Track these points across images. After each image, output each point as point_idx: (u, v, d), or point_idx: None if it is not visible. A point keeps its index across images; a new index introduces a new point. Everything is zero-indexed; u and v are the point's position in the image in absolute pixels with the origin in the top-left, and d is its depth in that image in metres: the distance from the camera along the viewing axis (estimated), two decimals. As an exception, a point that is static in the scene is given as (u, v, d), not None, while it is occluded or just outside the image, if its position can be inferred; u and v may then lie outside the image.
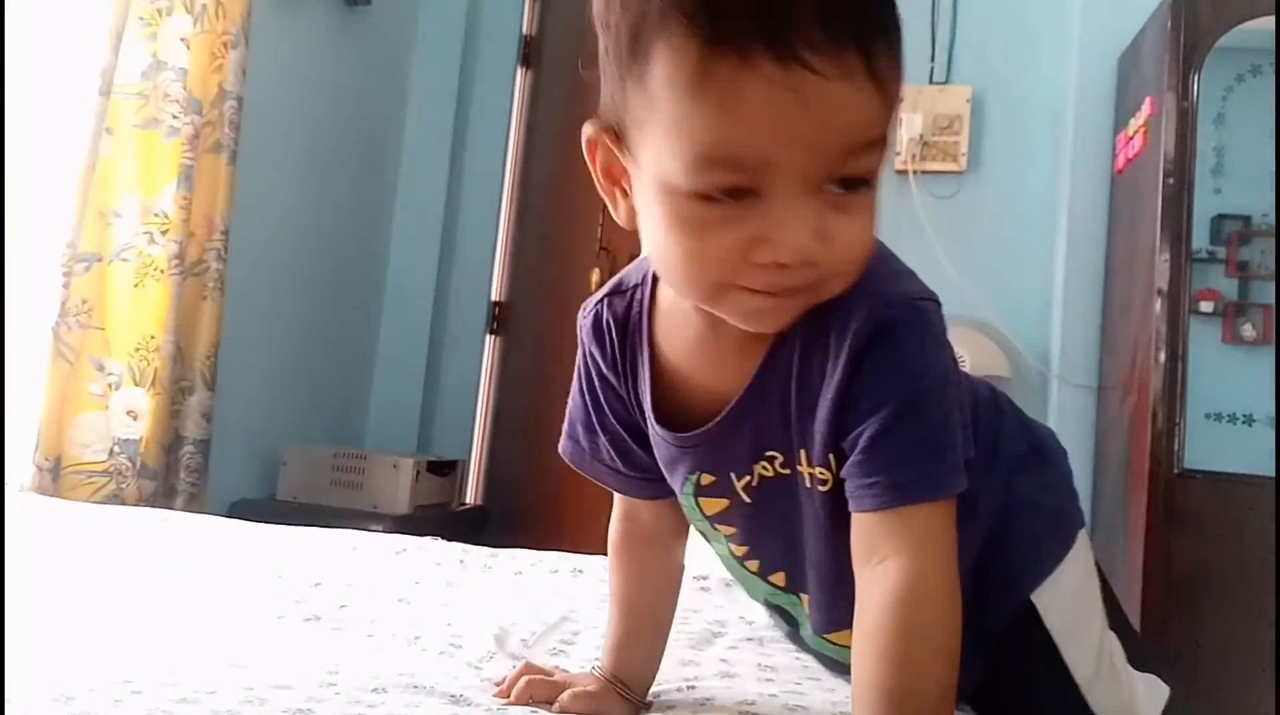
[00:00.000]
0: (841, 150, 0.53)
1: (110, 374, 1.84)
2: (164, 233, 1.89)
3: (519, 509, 2.75)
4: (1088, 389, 2.35)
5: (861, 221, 0.56)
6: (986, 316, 2.40)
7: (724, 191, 0.53)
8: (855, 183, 0.54)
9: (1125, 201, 2.30)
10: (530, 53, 3.00)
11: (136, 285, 1.87)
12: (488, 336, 2.92)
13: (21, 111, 1.74)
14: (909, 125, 2.58)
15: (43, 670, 0.67)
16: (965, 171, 2.57)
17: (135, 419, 1.85)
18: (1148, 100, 2.14)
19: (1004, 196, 2.56)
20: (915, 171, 2.57)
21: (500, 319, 2.93)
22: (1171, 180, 2.01)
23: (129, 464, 1.83)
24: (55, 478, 1.74)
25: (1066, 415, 2.35)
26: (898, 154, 2.60)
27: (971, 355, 2.28)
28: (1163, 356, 1.96)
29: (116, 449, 1.82)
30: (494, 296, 2.93)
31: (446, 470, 2.49)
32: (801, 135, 0.51)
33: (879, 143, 0.54)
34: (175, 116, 1.91)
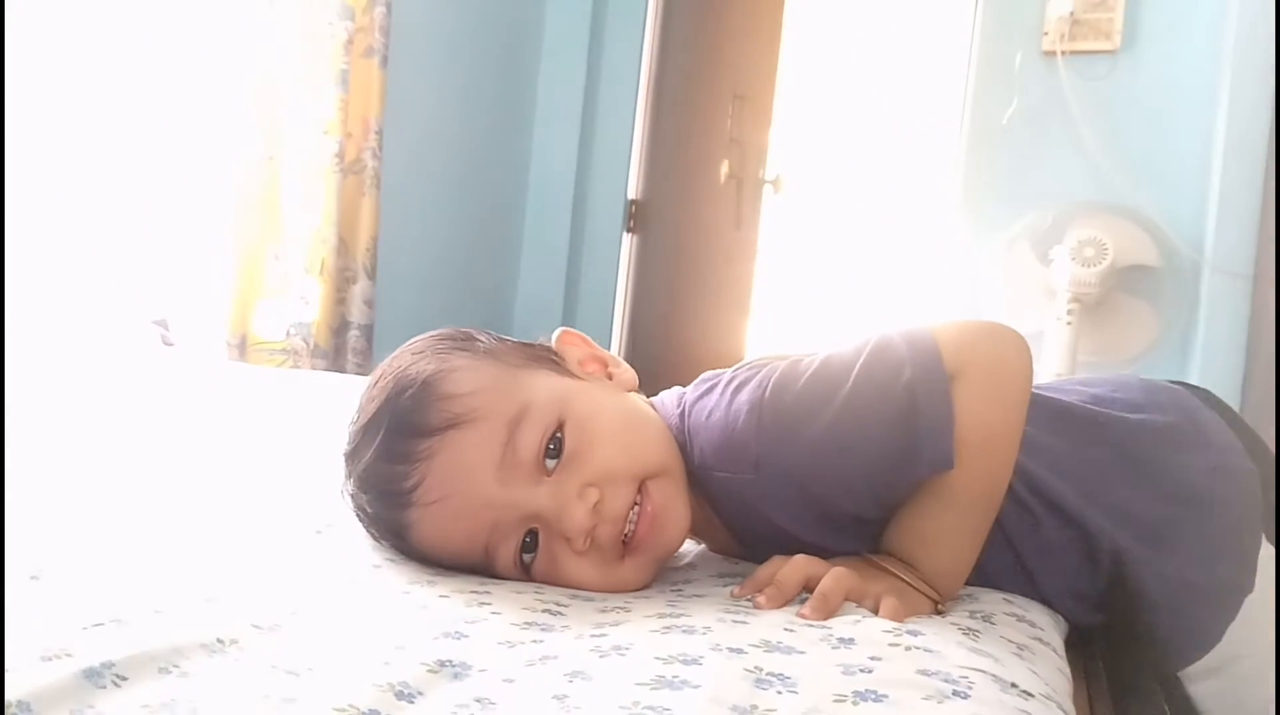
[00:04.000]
0: (493, 472, 0.63)
1: (285, 263, 2.04)
2: (325, 133, 2.06)
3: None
4: (1242, 277, 2.25)
5: (590, 453, 0.64)
6: (1136, 202, 2.31)
7: (524, 541, 0.65)
8: (551, 452, 0.64)
9: (1294, 75, 2.15)
10: (665, -53, 3.00)
11: (304, 182, 2.05)
12: (625, 235, 3.01)
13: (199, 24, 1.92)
14: (1057, 3, 2.46)
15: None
16: (1119, 50, 2.45)
17: (307, 304, 2.05)
18: (1324, -39, 1.98)
19: (1161, 76, 2.42)
20: (1064, 52, 2.47)
21: (636, 217, 3.02)
22: (1344, 48, 1.87)
23: (303, 344, 2.04)
24: (242, 353, 1.97)
25: (1218, 305, 2.27)
26: (1045, 34, 2.50)
27: (1117, 243, 2.21)
28: (1322, 238, 1.86)
29: (292, 330, 2.04)
30: (630, 195, 3.01)
31: (587, 359, 2.62)
32: (462, 508, 0.63)
33: (508, 419, 0.63)
34: (330, 24, 2.06)
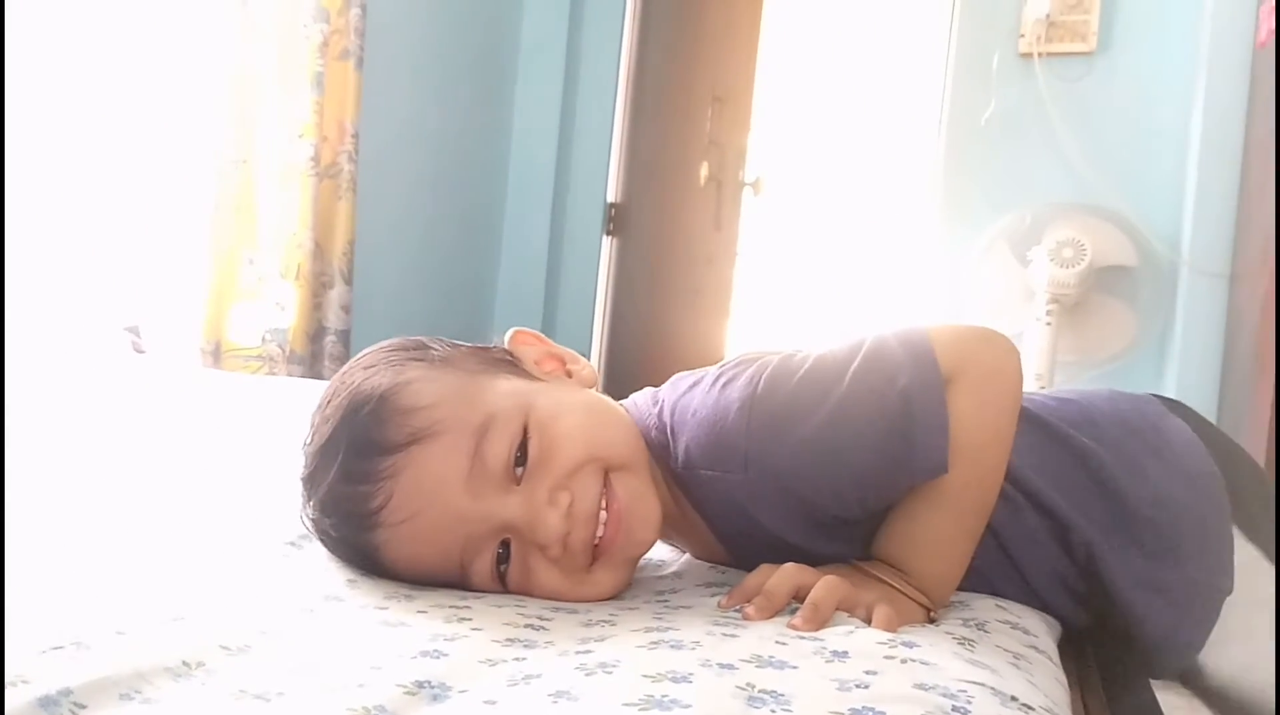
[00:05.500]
0: (463, 485, 0.61)
1: (260, 268, 2.01)
2: (300, 136, 2.03)
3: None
4: (1219, 277, 2.26)
5: (555, 454, 0.62)
6: (1113, 203, 2.32)
7: (498, 553, 0.63)
8: (518, 460, 0.62)
9: (1268, 76, 2.16)
10: (643, -51, 2.98)
11: (279, 186, 2.02)
12: (604, 237, 2.99)
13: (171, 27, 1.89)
14: (1033, 5, 2.47)
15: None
16: (1095, 52, 2.46)
17: (283, 309, 2.02)
18: (1297, -37, 1.99)
19: (1137, 76, 2.43)
20: (1041, 54, 2.47)
21: (616, 220, 3.00)
22: (1319, 49, 1.88)
23: (279, 350, 2.01)
24: (216, 360, 1.94)
25: (1196, 305, 2.28)
26: (1022, 36, 2.50)
27: (1095, 244, 2.22)
28: (1299, 238, 1.87)
29: (268, 336, 2.01)
30: (610, 197, 2.99)
31: (567, 363, 2.60)
32: (433, 520, 0.61)
33: (480, 429, 0.61)
34: (305, 26, 2.03)
